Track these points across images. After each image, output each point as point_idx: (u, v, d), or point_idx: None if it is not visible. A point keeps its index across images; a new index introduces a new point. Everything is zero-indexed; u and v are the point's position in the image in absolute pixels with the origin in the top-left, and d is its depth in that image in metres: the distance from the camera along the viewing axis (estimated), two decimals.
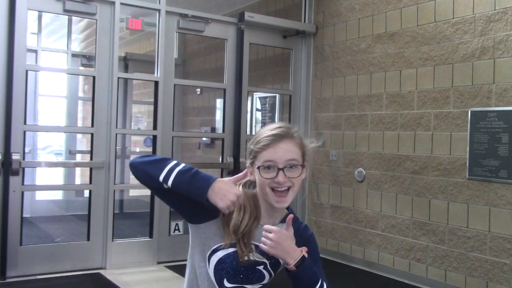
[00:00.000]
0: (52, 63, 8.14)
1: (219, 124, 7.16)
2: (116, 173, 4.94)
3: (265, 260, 1.61)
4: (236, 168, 5.36)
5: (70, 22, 6.97)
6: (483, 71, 4.18)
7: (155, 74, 5.08)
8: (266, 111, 6.88)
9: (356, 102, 5.34)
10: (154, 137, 5.08)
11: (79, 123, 8.74)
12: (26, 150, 5.13)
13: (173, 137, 5.26)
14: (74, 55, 7.46)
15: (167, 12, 5.06)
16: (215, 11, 6.18)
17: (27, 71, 4.48)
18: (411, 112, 4.75)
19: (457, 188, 4.34)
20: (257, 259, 1.59)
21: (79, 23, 7.71)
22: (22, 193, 4.51)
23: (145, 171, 1.55)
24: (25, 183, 4.70)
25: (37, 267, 4.51)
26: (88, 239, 4.79)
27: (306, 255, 1.57)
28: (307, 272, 1.56)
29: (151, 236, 5.05)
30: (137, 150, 9.04)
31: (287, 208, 1.69)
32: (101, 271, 4.70)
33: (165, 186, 1.52)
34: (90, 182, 4.81)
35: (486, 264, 4.12)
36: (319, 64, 5.84)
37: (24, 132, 4.50)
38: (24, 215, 4.78)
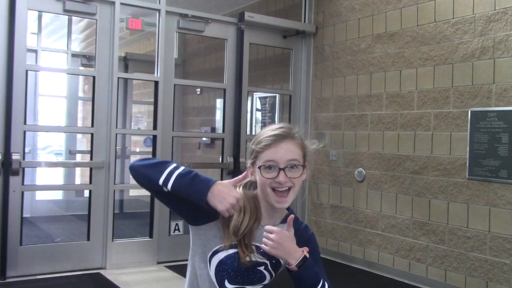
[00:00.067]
0: (52, 63, 8.14)
1: (219, 124, 7.16)
2: (116, 173, 4.94)
3: (266, 261, 1.61)
4: (236, 168, 5.36)
5: (70, 22, 6.97)
6: (483, 71, 4.18)
7: (155, 74, 5.08)
8: (266, 111, 6.88)
9: (356, 102, 5.34)
10: (154, 137, 5.08)
11: (79, 123, 8.74)
12: (26, 150, 5.13)
13: (173, 137, 5.26)
14: (74, 55, 7.46)
15: (167, 12, 5.06)
16: (215, 11, 6.18)
17: (27, 71, 4.48)
18: (411, 112, 4.75)
19: (457, 188, 4.34)
20: (258, 259, 1.60)
21: (79, 23, 7.71)
22: (22, 193, 4.51)
23: (145, 174, 1.55)
24: (25, 183, 4.70)
25: (37, 267, 4.51)
26: (88, 239, 4.79)
27: (307, 255, 1.57)
28: (309, 272, 1.56)
29: (151, 236, 5.05)
30: (137, 150, 9.05)
31: (287, 209, 1.69)
32: (101, 271, 4.70)
33: (164, 189, 1.52)
34: (90, 182, 4.81)
35: (486, 264, 4.12)
36: (319, 64, 5.84)
37: (24, 132, 4.50)
38: (24, 215, 4.78)
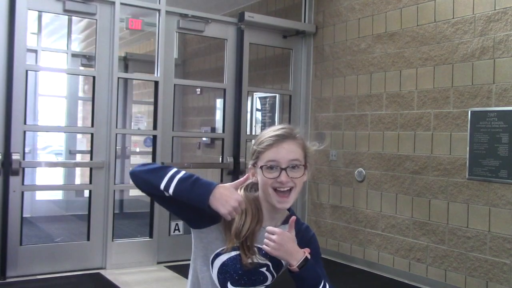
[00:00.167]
0: (52, 63, 8.13)
1: (219, 124, 7.16)
2: (116, 173, 4.94)
3: (267, 262, 1.61)
4: (236, 168, 5.36)
5: (70, 22, 6.97)
6: (483, 71, 4.18)
7: (155, 74, 5.08)
8: (266, 111, 6.88)
9: (356, 102, 5.34)
10: (154, 137, 5.08)
11: (79, 123, 8.74)
12: (26, 150, 5.13)
13: (173, 137, 5.26)
14: (74, 55, 7.46)
15: (167, 12, 5.06)
16: (215, 11, 6.18)
17: (27, 71, 4.48)
18: (411, 112, 4.75)
19: (457, 188, 4.35)
20: (260, 261, 1.60)
21: (79, 23, 7.71)
22: (22, 193, 4.51)
23: (146, 179, 1.55)
24: (25, 183, 4.70)
25: (37, 267, 4.51)
26: (88, 239, 4.79)
27: (309, 256, 1.57)
28: (310, 273, 1.56)
29: (151, 236, 5.05)
30: (137, 150, 9.05)
31: (288, 210, 1.69)
32: (101, 271, 4.70)
33: (166, 194, 1.52)
34: (90, 182, 4.81)
35: (486, 264, 4.12)
36: (319, 64, 5.84)
37: (24, 132, 4.50)
38: (24, 215, 4.78)
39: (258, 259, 1.59)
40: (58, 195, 8.50)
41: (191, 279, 1.68)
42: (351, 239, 5.36)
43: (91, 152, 4.81)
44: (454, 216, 4.36)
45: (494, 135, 4.09)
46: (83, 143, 7.68)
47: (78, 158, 7.44)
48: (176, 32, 5.26)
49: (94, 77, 4.82)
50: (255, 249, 1.59)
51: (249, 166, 1.67)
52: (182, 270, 4.73)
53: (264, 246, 1.54)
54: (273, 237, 1.53)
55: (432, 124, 4.56)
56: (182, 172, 1.53)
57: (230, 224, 1.57)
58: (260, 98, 6.93)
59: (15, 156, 4.36)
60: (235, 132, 5.48)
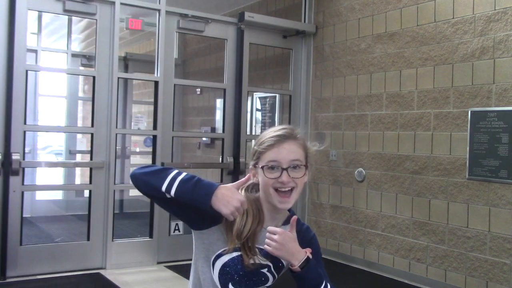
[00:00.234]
0: (52, 63, 8.13)
1: (219, 124, 7.16)
2: (116, 173, 4.94)
3: (269, 263, 1.61)
4: (236, 168, 5.36)
5: (70, 22, 6.97)
6: (483, 71, 4.18)
7: (155, 74, 5.08)
8: (266, 111, 6.88)
9: (356, 102, 5.34)
10: (154, 137, 5.08)
11: (79, 123, 8.73)
12: (26, 150, 5.12)
13: (173, 137, 5.26)
14: (74, 55, 7.46)
15: (167, 12, 5.06)
16: (215, 11, 6.18)
17: (27, 71, 4.48)
18: (411, 112, 4.75)
19: (457, 188, 4.35)
20: (261, 262, 1.60)
21: (79, 23, 7.71)
22: (22, 193, 4.51)
23: (147, 181, 1.54)
24: (25, 183, 4.70)
25: (37, 267, 4.50)
26: (88, 239, 4.79)
27: (310, 256, 1.58)
28: (312, 273, 1.57)
29: (151, 236, 5.05)
30: (137, 150, 9.04)
31: (289, 210, 1.69)
32: (101, 271, 4.70)
33: (167, 195, 1.51)
34: (90, 182, 4.81)
35: (486, 264, 4.12)
36: (319, 64, 5.84)
37: (24, 132, 4.50)
38: (24, 215, 4.78)
39: (259, 259, 1.59)
40: (58, 195, 8.49)
41: (193, 280, 1.68)
42: (351, 239, 5.36)
43: (91, 152, 4.80)
44: (454, 216, 4.36)
45: (494, 135, 4.09)
46: (83, 143, 7.68)
47: (78, 158, 7.44)
48: (176, 32, 5.26)
49: (94, 77, 4.82)
50: (256, 249, 1.59)
51: (250, 166, 1.67)
52: (182, 270, 4.73)
53: (266, 246, 1.54)
54: (275, 237, 1.53)
55: (432, 124, 4.56)
56: (183, 174, 1.53)
57: (232, 225, 1.57)
58: (260, 98, 6.93)
59: (15, 156, 4.36)
60: (235, 132, 5.48)
